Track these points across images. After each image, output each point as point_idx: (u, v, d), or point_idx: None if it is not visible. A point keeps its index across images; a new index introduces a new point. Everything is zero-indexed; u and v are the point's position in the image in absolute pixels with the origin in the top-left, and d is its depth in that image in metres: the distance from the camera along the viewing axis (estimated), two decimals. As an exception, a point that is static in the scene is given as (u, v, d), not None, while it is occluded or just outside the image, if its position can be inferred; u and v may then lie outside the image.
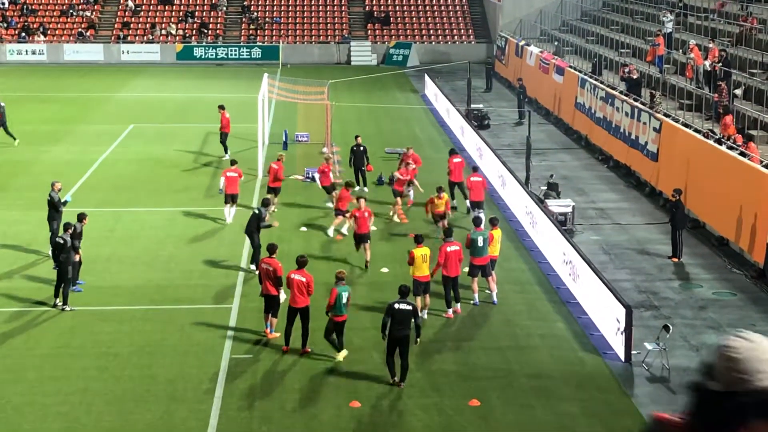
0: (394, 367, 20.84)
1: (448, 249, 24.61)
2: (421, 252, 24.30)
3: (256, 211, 28.26)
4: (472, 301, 25.55)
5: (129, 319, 24.62)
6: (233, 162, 34.40)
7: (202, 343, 23.16)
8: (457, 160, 34.03)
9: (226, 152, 41.32)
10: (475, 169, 34.13)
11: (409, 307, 20.73)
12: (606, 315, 23.30)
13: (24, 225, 31.90)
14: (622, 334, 22.12)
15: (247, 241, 28.43)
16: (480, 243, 25.38)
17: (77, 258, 25.91)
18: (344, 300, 21.74)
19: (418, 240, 24.84)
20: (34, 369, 21.76)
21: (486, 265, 25.66)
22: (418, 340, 21.08)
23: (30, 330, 23.85)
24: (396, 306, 20.61)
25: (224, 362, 22.09)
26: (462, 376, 21.61)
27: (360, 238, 28.38)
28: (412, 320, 20.73)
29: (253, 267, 27.34)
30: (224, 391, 20.74)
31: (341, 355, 22.10)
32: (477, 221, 26.23)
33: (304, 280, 22.31)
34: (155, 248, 30.02)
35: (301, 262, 22.72)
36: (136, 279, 27.38)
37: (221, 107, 41.90)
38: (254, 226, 27.77)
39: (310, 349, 22.29)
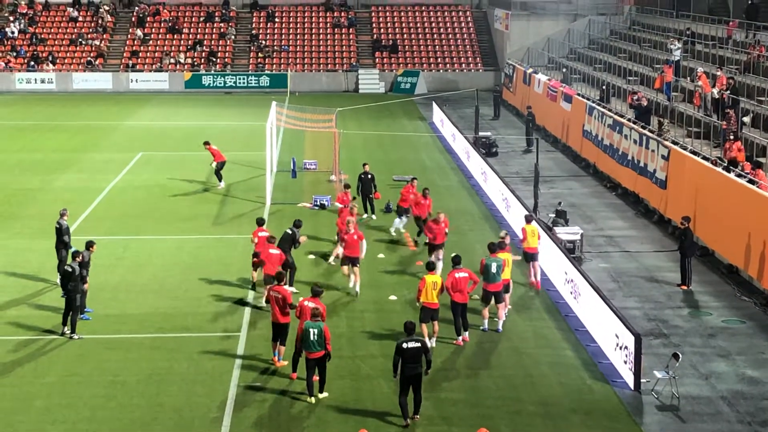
0: (407, 409, 20.45)
1: (456, 275, 24.56)
2: (433, 279, 24.25)
3: (289, 231, 28.54)
4: (480, 327, 25.48)
5: (137, 347, 24.58)
6: (347, 186, 34.45)
7: (210, 371, 23.11)
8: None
9: (220, 181, 41.39)
10: (414, 179, 34.99)
11: (418, 344, 20.27)
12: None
13: (32, 253, 31.92)
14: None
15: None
16: (494, 269, 25.35)
17: (85, 287, 25.92)
18: (313, 336, 21.25)
19: (430, 267, 24.78)
20: (41, 397, 21.72)
21: (499, 291, 25.62)
22: (428, 371, 20.66)
23: (38, 358, 23.81)
24: (405, 345, 20.16)
25: (232, 391, 22.03)
26: (470, 404, 21.53)
27: (350, 261, 28.56)
28: (423, 356, 20.34)
29: (293, 289, 27.38)
30: (232, 420, 20.67)
31: (319, 397, 21.59)
32: (492, 247, 26.15)
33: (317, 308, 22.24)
34: (163, 276, 30.02)
35: (316, 292, 22.73)
36: (144, 307, 27.36)
37: (206, 143, 41.92)
38: (288, 245, 28.08)
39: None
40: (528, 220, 29.59)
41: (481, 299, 25.71)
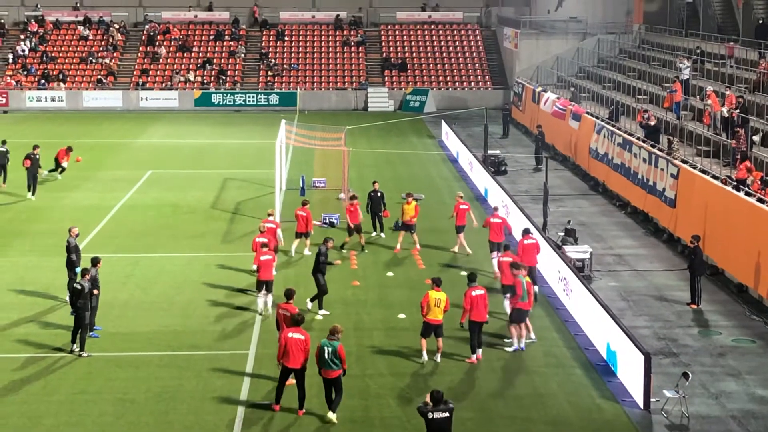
0: None
1: (473, 293, 24.49)
2: (436, 296, 24.23)
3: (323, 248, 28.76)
4: (513, 348, 25.38)
5: (146, 365, 24.58)
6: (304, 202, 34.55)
7: (219, 389, 23.09)
8: (496, 220, 32.53)
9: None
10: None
11: (446, 414, 18.17)
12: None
13: (41, 271, 31.96)
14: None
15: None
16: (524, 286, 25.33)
17: (95, 291, 25.86)
18: (327, 355, 20.99)
19: (437, 283, 24.69)
20: (50, 415, 21.72)
21: (528, 310, 25.59)
22: None
23: (47, 376, 23.82)
24: (431, 416, 18.04)
25: (241, 409, 22.01)
26: (480, 423, 21.48)
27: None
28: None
29: (324, 312, 27.96)
30: (241, 438, 20.69)
31: (331, 416, 21.31)
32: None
33: (302, 338, 21.58)
34: (172, 294, 30.04)
35: (296, 321, 22.02)
36: (153, 325, 27.37)
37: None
38: (316, 265, 28.34)
39: (303, 412, 21.71)
40: (408, 197, 34.78)
41: (512, 319, 25.56)
